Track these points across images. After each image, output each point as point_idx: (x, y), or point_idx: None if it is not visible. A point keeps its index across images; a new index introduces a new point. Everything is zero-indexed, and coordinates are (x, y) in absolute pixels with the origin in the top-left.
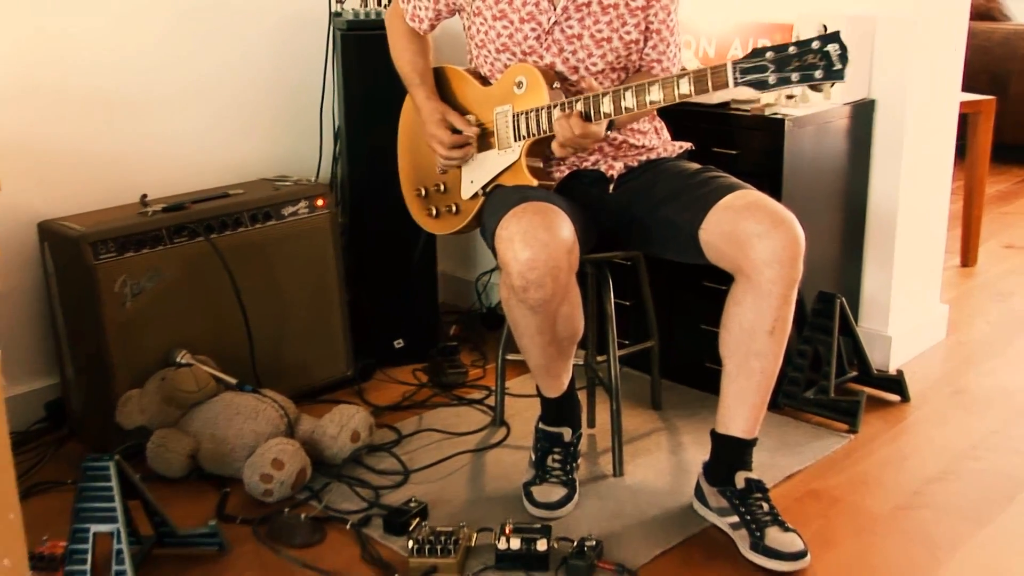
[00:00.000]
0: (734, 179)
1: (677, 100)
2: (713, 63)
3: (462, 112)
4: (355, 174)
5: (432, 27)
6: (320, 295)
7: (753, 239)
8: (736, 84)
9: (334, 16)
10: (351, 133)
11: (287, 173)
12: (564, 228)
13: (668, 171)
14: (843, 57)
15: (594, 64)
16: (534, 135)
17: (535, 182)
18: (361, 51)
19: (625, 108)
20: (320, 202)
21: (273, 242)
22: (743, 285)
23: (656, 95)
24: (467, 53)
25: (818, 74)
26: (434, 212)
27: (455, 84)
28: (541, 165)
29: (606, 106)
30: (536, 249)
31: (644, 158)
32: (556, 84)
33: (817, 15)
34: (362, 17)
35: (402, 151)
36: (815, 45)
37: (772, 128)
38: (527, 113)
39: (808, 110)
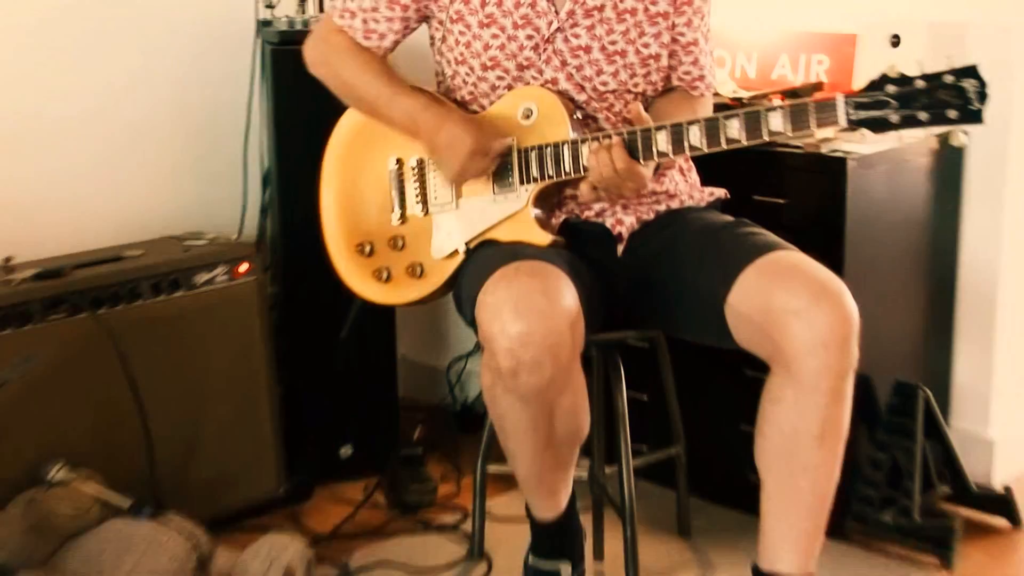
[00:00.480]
0: (772, 236)
1: (766, 139)
2: (754, 85)
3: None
4: (290, 229)
5: (395, 45)
6: (244, 388)
7: (789, 317)
8: (849, 124)
9: (262, 25)
10: (285, 176)
11: (200, 229)
12: (567, 294)
13: (693, 225)
14: (982, 95)
15: (604, 83)
16: (550, 177)
17: (547, 239)
18: (298, 70)
19: (691, 147)
20: (243, 267)
21: (181, 319)
22: (781, 378)
23: (735, 132)
24: (436, 76)
25: (952, 114)
26: (384, 275)
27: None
28: (549, 219)
29: (662, 143)
30: (531, 320)
31: (663, 208)
32: (577, 115)
33: (889, 23)
34: (299, 27)
35: (333, 190)
36: (948, 79)
37: (831, 169)
38: (542, 149)
39: (877, 146)
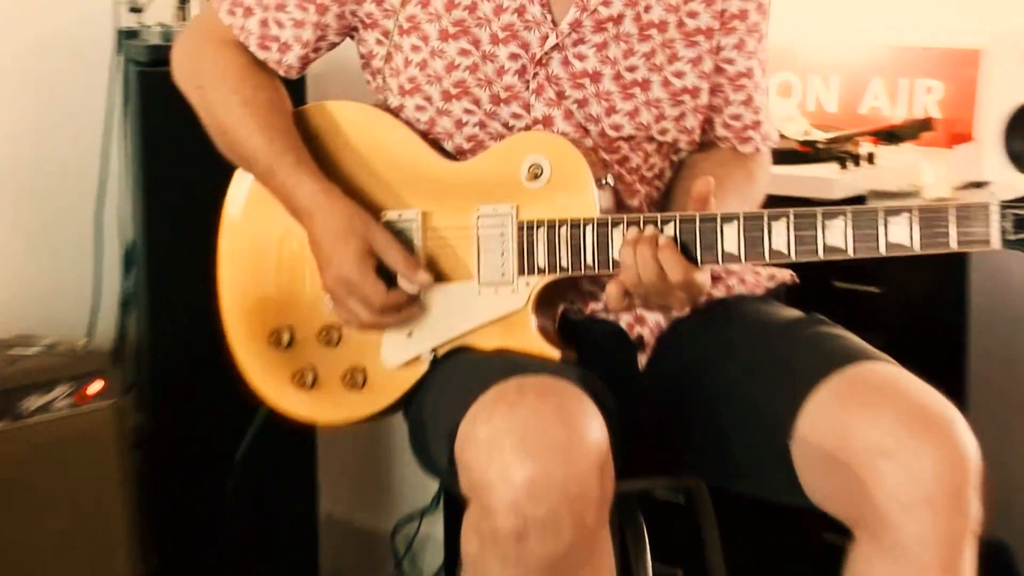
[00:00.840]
0: (857, 341)
1: (883, 254)
2: (836, 123)
3: (388, 205)
4: (164, 330)
5: (304, 65)
6: (94, 562)
7: (877, 459)
8: (1006, 245)
9: (124, 37)
10: (156, 253)
11: (33, 331)
12: (593, 424)
13: (745, 323)
14: None
15: (616, 127)
16: (563, 270)
17: (553, 353)
18: (177, 99)
19: (772, 252)
20: (95, 386)
21: (5, 461)
22: (868, 547)
23: (839, 238)
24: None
25: None
26: (309, 379)
27: (366, 141)
28: (554, 324)
29: (730, 242)
30: (547, 460)
31: (703, 297)
32: (608, 179)
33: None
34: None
35: (239, 254)
36: None
37: None
38: (554, 227)
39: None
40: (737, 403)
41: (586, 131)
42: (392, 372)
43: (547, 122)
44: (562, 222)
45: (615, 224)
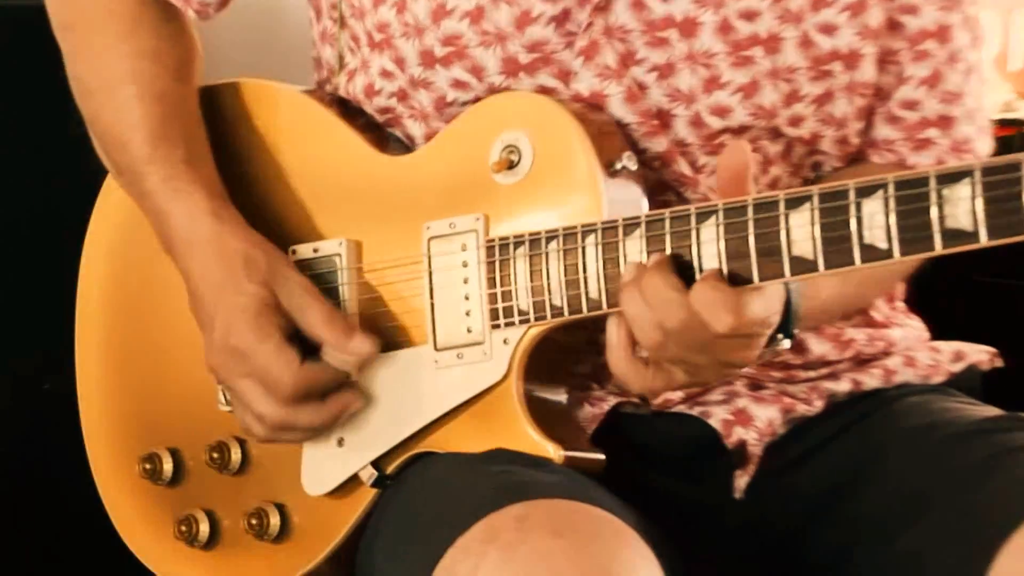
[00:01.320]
0: None
1: None
2: None
3: (302, 232)
4: None
5: (223, 3)
6: None
7: None
8: None
9: None
10: None
11: None
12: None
13: (913, 431)
14: None
15: (719, 111)
16: (556, 313)
17: (549, 451)
18: (26, 53)
19: (865, 250)
20: None
21: None
22: None
23: (964, 219)
24: (316, 69)
25: None
26: (201, 531)
27: (288, 139)
28: (562, 402)
29: (800, 238)
30: None
31: (845, 387)
32: (628, 156)
33: None
34: None
35: (100, 331)
36: None
37: None
38: (542, 243)
39: None
40: (894, 559)
41: (665, 119)
42: (320, 507)
43: (597, 100)
44: (551, 235)
45: (630, 229)
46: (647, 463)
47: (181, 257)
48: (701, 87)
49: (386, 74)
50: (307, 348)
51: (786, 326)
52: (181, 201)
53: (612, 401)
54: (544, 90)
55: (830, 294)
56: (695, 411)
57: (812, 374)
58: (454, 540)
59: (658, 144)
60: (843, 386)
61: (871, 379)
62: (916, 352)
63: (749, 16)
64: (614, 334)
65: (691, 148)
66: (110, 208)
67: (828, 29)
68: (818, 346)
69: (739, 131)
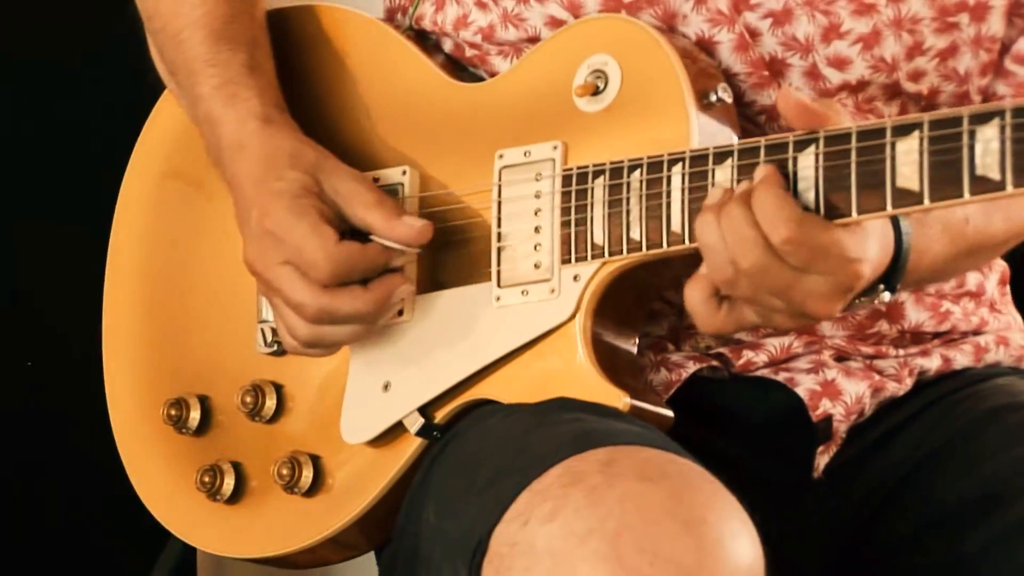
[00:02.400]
0: None
1: None
2: None
3: (367, 161)
4: None
5: None
6: None
7: None
8: None
9: None
10: None
11: None
12: (742, 536)
13: (1009, 414)
14: None
15: (837, 62)
16: (634, 248)
17: (621, 399)
18: None
19: (976, 181)
20: None
21: None
22: None
23: None
24: (390, 6)
25: None
26: (227, 484)
27: (358, 65)
28: (631, 353)
29: (906, 168)
30: None
31: (934, 365)
32: (723, 88)
33: None
34: None
35: (133, 272)
36: None
37: None
38: (623, 173)
39: None
40: (967, 551)
41: (778, 69)
42: (359, 459)
43: (708, 44)
44: (634, 163)
45: (720, 159)
46: (723, 433)
47: (229, 163)
48: (819, 35)
49: (481, 4)
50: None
51: (891, 278)
52: (235, 107)
53: (691, 368)
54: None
55: (939, 252)
56: (780, 376)
57: (902, 352)
58: (527, 485)
59: (766, 97)
60: (934, 362)
61: (962, 356)
62: (1010, 331)
63: None
64: (693, 278)
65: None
66: (151, 144)
67: None
68: (915, 314)
69: (857, 87)
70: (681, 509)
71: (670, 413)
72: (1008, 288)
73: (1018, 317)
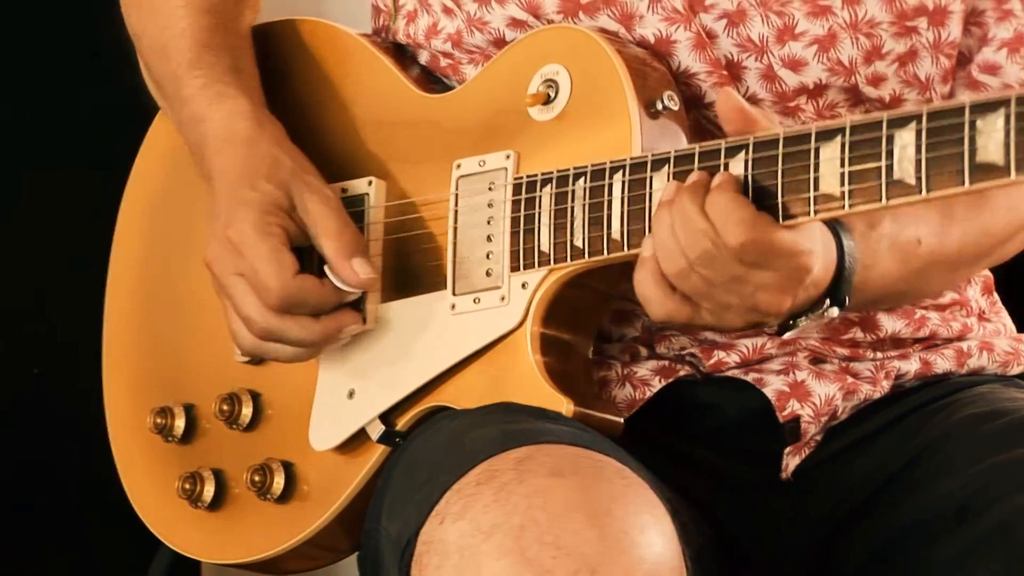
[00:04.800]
0: None
1: None
2: None
3: (337, 171)
4: None
5: None
6: None
7: None
8: None
9: None
10: None
11: None
12: (651, 530)
13: (988, 425)
14: None
15: (792, 64)
16: (578, 254)
17: (564, 404)
18: None
19: (891, 186)
20: None
21: None
22: None
23: (995, 152)
24: (374, 16)
25: None
26: (206, 491)
27: (335, 77)
28: (584, 360)
29: (828, 173)
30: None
31: (911, 368)
32: (669, 96)
33: None
34: None
35: (126, 298)
36: None
37: None
38: (569, 181)
39: None
40: (938, 561)
41: (735, 71)
42: (327, 467)
43: (664, 47)
44: (579, 172)
45: (658, 166)
46: (691, 432)
47: (211, 156)
48: (774, 36)
49: (447, 11)
50: (319, 267)
51: (836, 291)
52: (223, 105)
53: (656, 386)
54: (604, 32)
55: (890, 269)
56: (749, 376)
57: (880, 355)
58: (451, 485)
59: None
60: (912, 365)
61: (943, 360)
62: (994, 338)
63: None
64: (646, 250)
65: (762, 104)
66: (150, 159)
67: None
68: (890, 322)
69: (815, 91)
70: (587, 502)
71: (619, 420)
72: (996, 296)
73: (1009, 324)
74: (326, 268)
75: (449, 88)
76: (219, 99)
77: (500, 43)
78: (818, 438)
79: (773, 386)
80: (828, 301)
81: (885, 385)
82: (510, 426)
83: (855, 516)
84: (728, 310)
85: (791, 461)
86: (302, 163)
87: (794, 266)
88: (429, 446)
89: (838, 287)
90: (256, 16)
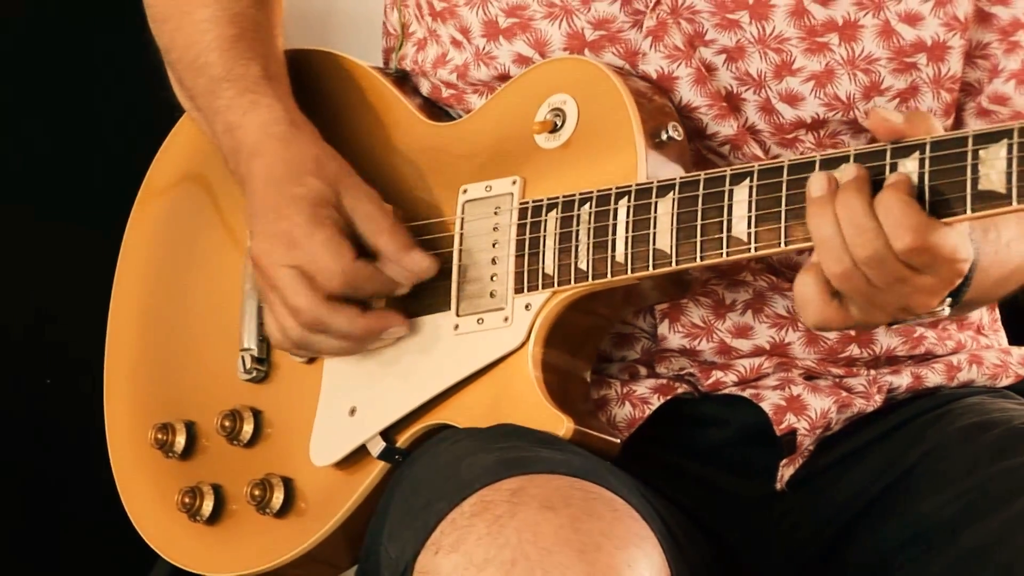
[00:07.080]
0: None
1: None
2: None
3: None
4: None
5: None
6: None
7: None
8: None
9: None
10: None
11: None
12: (640, 562)
13: (979, 439)
14: None
15: (790, 99)
16: (581, 279)
17: (564, 425)
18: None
19: None
20: None
21: None
22: None
23: None
24: (384, 36)
25: None
26: (205, 505)
27: (344, 105)
28: (583, 382)
29: (991, 172)
30: None
31: (904, 381)
32: (673, 127)
33: None
34: None
35: (131, 314)
36: None
37: None
38: (574, 206)
39: None
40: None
41: (734, 103)
42: (326, 482)
43: (666, 82)
44: (584, 197)
45: (663, 192)
46: (688, 449)
47: (248, 159)
48: (771, 72)
49: (456, 43)
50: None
51: (958, 291)
52: (258, 112)
53: (655, 404)
54: (610, 65)
55: (990, 272)
56: (747, 392)
57: (873, 372)
58: (446, 514)
59: (727, 127)
60: (904, 380)
61: (934, 374)
62: (985, 352)
63: (824, 0)
64: (806, 270)
65: (762, 135)
66: (159, 180)
67: (912, 19)
68: (887, 339)
69: (813, 125)
70: (577, 537)
71: (616, 440)
72: (998, 313)
73: (1003, 339)
74: (379, 262)
75: (453, 118)
76: (253, 107)
77: (505, 78)
78: (811, 448)
79: (770, 400)
80: (949, 299)
81: (878, 399)
82: (507, 453)
83: (851, 526)
84: (881, 310)
85: (785, 472)
86: (342, 162)
87: (954, 272)
88: (430, 469)
89: (960, 288)
90: (281, 18)
